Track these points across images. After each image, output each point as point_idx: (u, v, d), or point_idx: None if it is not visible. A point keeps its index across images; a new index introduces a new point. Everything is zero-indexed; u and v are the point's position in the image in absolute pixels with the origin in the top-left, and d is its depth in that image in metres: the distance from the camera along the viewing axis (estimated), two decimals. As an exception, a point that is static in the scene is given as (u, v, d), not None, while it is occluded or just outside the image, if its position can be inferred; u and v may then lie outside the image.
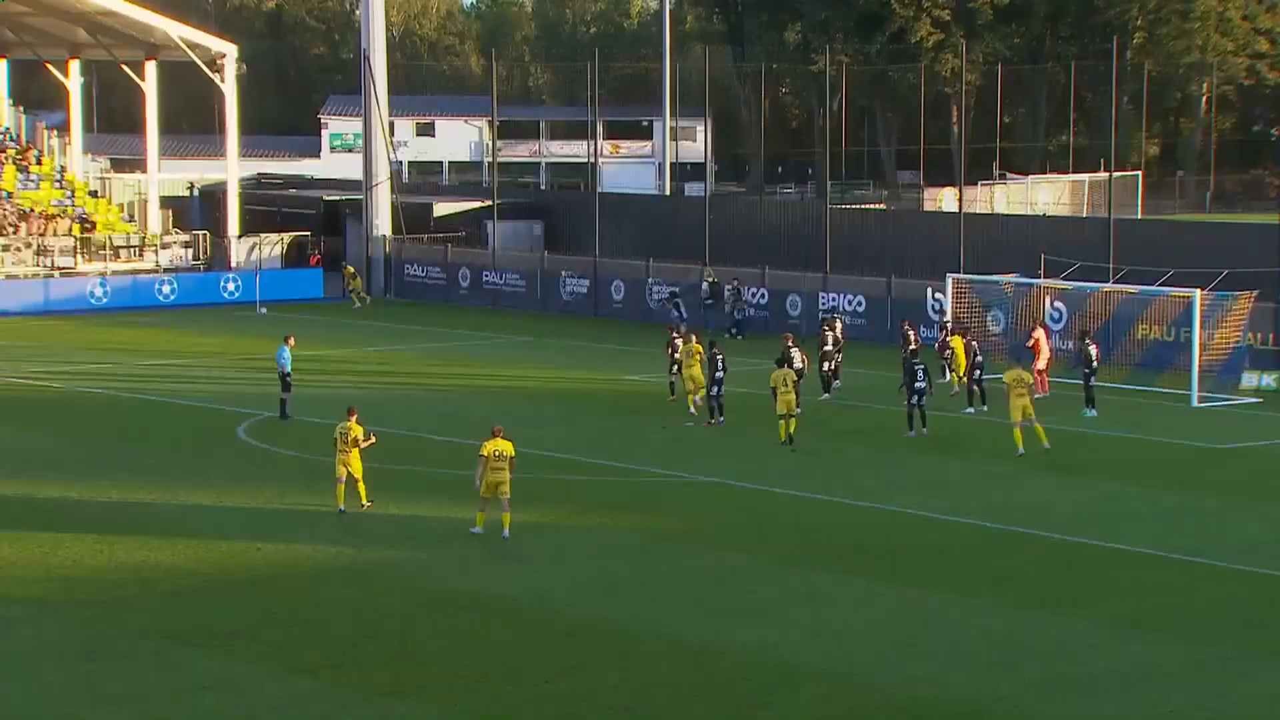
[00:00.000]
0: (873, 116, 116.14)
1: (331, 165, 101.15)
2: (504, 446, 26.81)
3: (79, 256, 63.75)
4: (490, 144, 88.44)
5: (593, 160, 73.44)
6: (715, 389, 36.69)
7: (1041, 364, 39.88)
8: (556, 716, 18.83)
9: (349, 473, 28.05)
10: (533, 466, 32.78)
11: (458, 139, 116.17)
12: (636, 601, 23.40)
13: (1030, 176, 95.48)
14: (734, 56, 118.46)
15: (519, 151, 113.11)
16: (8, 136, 69.94)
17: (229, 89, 67.89)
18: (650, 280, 58.24)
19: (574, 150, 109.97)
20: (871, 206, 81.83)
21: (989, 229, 57.73)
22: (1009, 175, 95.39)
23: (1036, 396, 35.74)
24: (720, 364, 36.59)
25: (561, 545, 26.61)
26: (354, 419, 28.33)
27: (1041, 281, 46.65)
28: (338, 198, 75.47)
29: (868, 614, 22.87)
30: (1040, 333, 41.23)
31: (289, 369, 37.33)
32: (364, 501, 28.31)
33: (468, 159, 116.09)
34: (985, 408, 37.73)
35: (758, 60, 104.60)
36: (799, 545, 26.78)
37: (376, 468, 31.67)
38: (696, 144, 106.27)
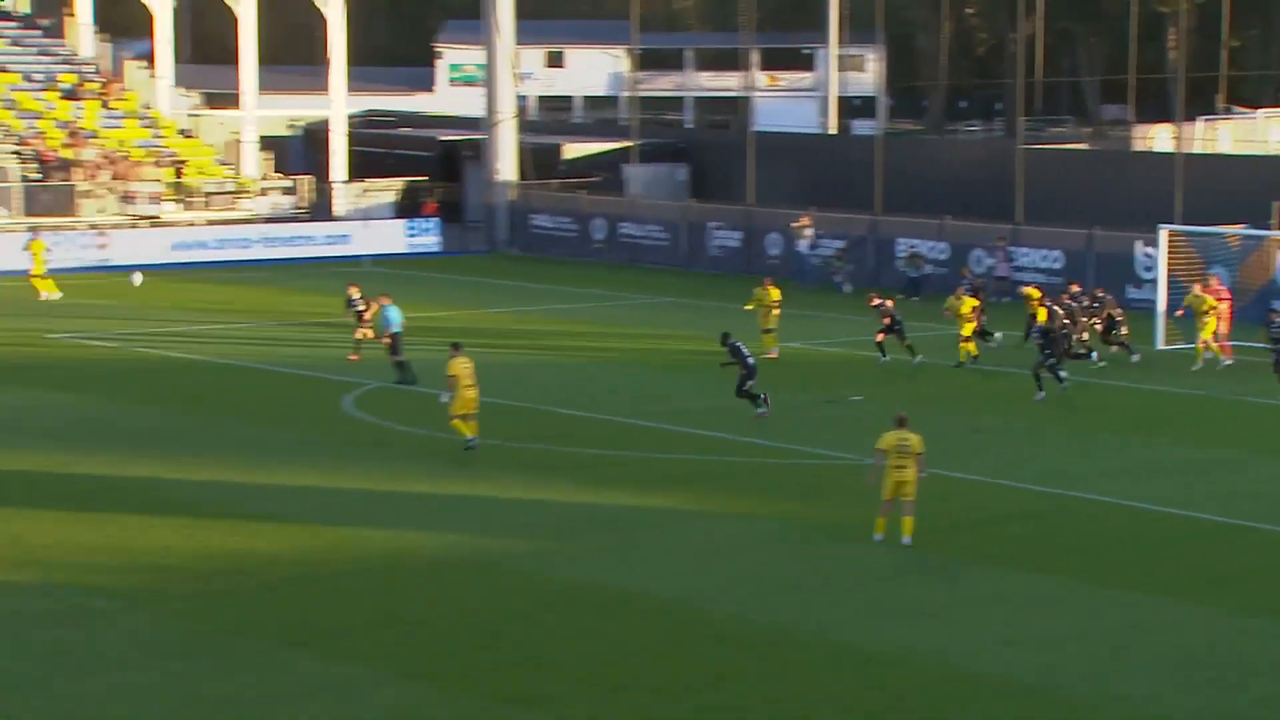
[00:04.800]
0: (1073, 41, 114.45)
1: (448, 100, 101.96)
2: (912, 439, 25.67)
3: (168, 204, 64.98)
4: (629, 76, 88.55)
5: (746, 94, 73.19)
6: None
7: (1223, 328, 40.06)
8: (705, 732, 18.91)
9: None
10: (676, 445, 32.84)
11: (592, 71, 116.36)
12: (797, 602, 23.38)
13: (1261, 111, 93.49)
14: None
15: (661, 84, 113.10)
16: (91, 70, 71.43)
17: (335, 14, 68.68)
18: (813, 232, 57.94)
19: (724, 83, 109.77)
20: (1071, 146, 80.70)
21: (1211, 172, 56.79)
22: (1236, 109, 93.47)
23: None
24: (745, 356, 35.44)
25: (710, 536, 26.65)
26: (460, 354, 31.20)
27: (1274, 234, 45.79)
28: (456, 138, 76.05)
29: (1066, 619, 22.65)
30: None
31: (398, 329, 38.01)
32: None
33: (603, 93, 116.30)
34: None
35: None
36: (985, 539, 26.60)
37: (499, 445, 31.98)
38: (866, 75, 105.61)
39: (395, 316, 38.38)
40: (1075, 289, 42.84)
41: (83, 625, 22.11)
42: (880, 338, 40.64)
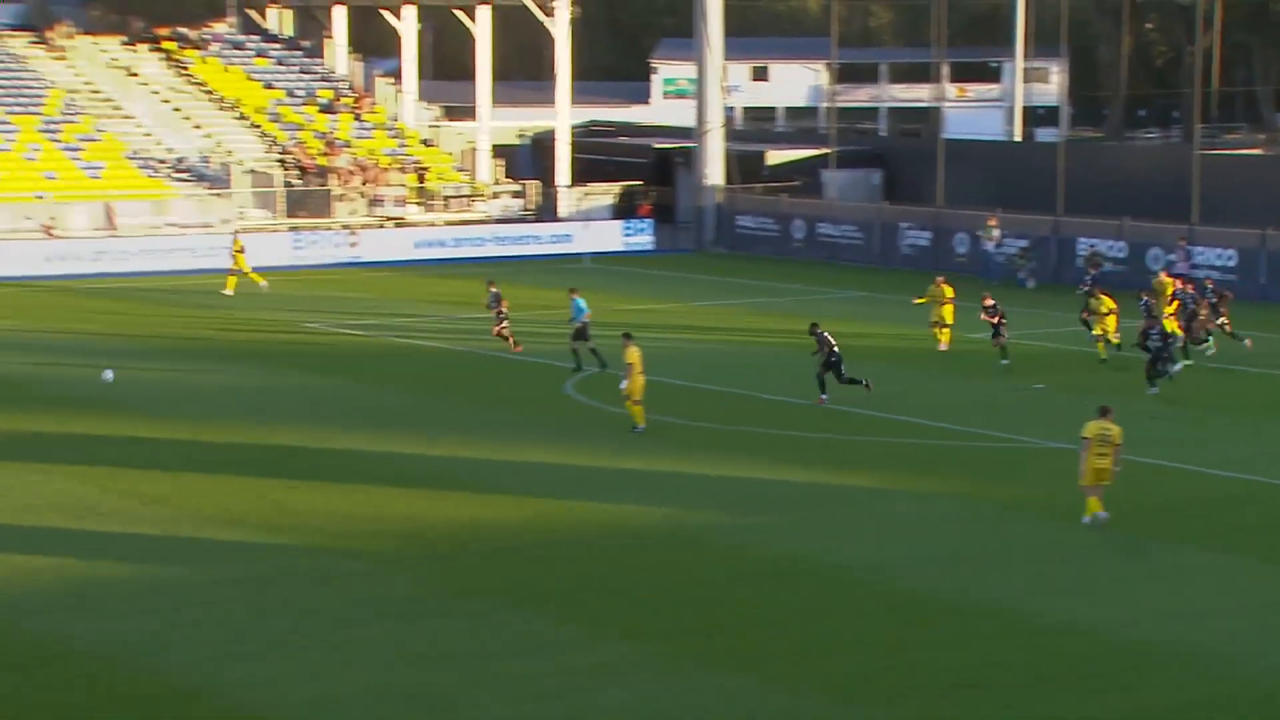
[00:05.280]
0: (1248, 53, 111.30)
1: (662, 111, 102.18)
2: (1113, 430, 25.06)
3: (411, 207, 66.06)
4: (828, 88, 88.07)
5: (937, 104, 72.39)
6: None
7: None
8: (892, 693, 18.79)
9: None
10: (869, 429, 32.68)
11: (794, 83, 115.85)
12: (977, 575, 23.15)
13: None
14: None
15: (857, 96, 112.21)
16: (345, 86, 72.86)
17: (560, 33, 69.20)
18: (1000, 232, 57.15)
19: (916, 94, 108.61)
20: (1246, 152, 78.55)
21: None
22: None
23: None
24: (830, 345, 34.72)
25: (901, 513, 26.47)
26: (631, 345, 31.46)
27: None
28: (668, 146, 76.18)
29: (1235, 595, 22.16)
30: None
31: (584, 319, 38.21)
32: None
33: (803, 104, 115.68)
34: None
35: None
36: (1161, 519, 26.09)
37: (705, 427, 32.07)
38: (1050, 86, 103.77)
39: (583, 307, 38.60)
40: (1209, 284, 42.18)
41: (334, 586, 22.58)
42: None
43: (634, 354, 31.51)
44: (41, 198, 60.27)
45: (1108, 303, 39.93)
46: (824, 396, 34.40)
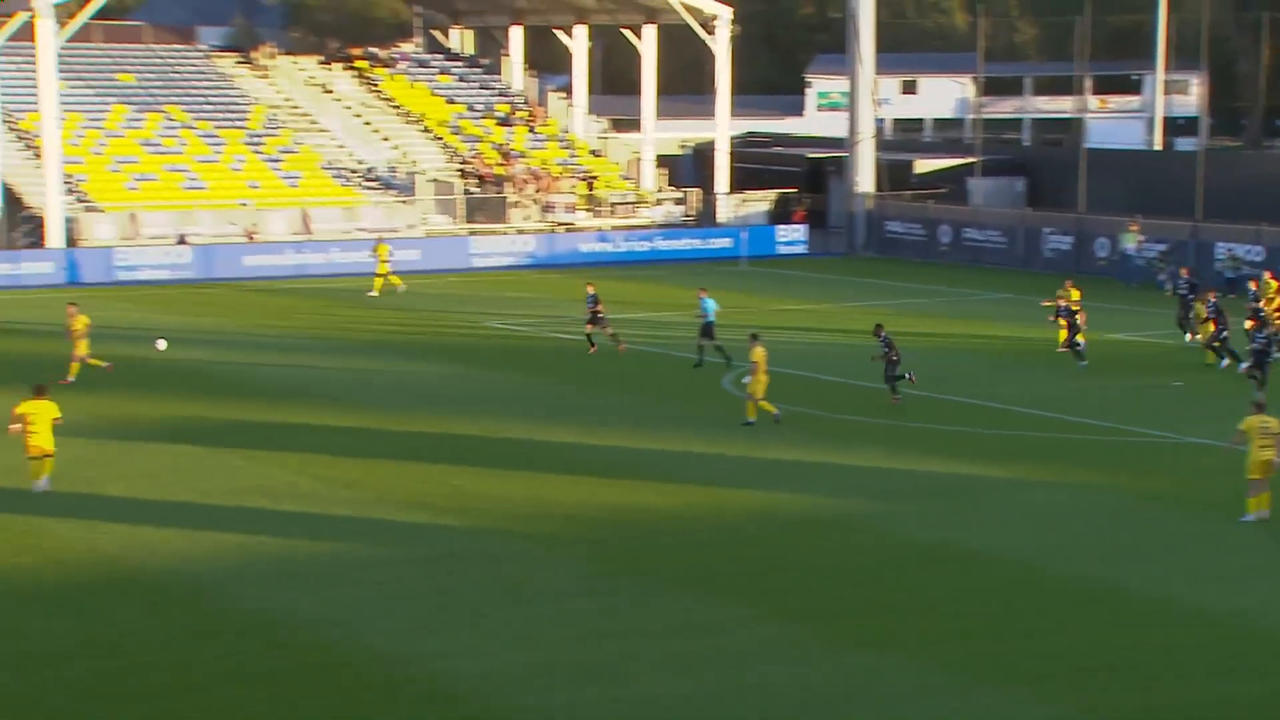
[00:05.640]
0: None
1: (816, 123, 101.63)
2: (1272, 423, 24.55)
3: (580, 213, 66.45)
4: (974, 100, 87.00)
5: (1079, 115, 71.15)
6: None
7: None
8: (1032, 674, 18.50)
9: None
10: (1013, 423, 32.26)
11: (941, 96, 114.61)
12: (1116, 562, 22.73)
13: None
14: (1235, 5, 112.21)
15: (1002, 108, 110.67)
16: (521, 100, 73.51)
17: (721, 50, 69.12)
18: (1141, 237, 56.03)
19: (1059, 106, 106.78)
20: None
21: None
22: None
23: None
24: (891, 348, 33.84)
25: (1046, 503, 26.09)
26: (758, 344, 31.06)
27: None
28: (821, 155, 75.81)
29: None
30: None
31: (712, 318, 38.25)
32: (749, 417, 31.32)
33: (950, 116, 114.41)
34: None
35: (1261, 8, 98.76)
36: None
37: (852, 420, 31.88)
38: (1189, 97, 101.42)
39: (711, 306, 38.56)
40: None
41: (510, 565, 22.75)
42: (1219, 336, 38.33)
43: (759, 354, 31.43)
44: (245, 205, 61.60)
45: (1200, 309, 39.05)
46: (901, 390, 33.85)
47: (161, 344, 34.75)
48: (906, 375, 33.70)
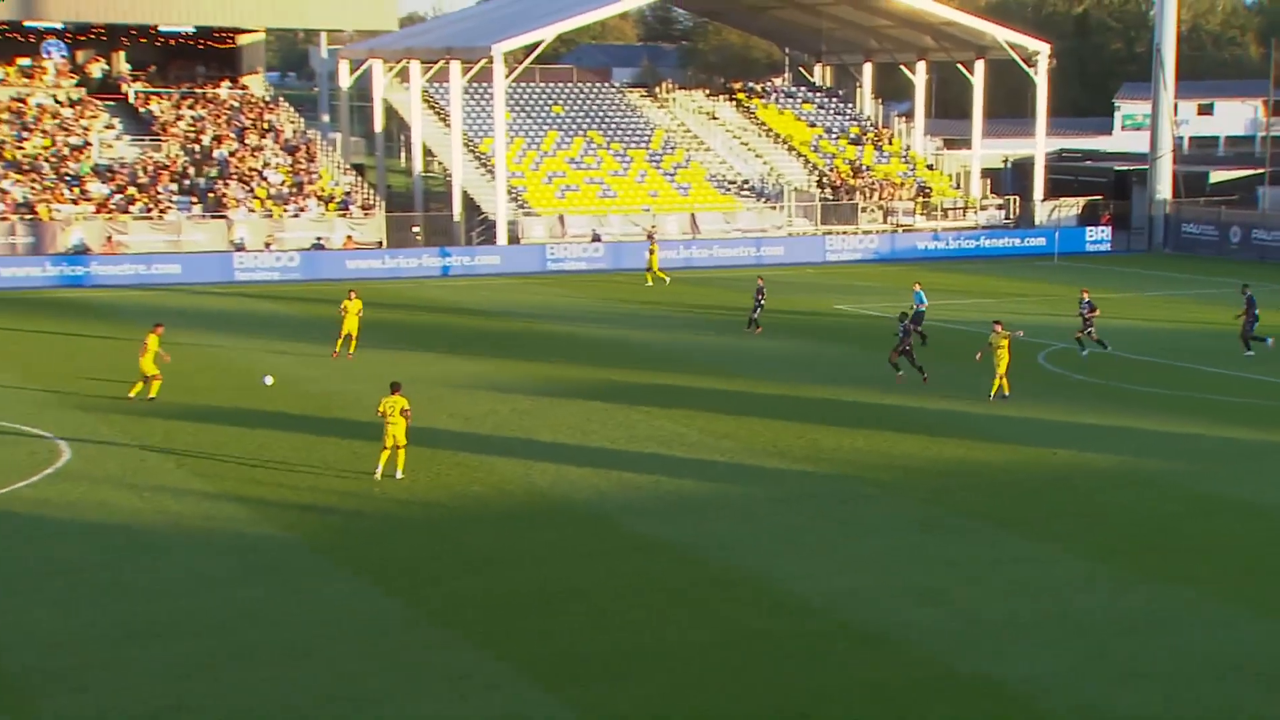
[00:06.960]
0: None
1: (1121, 142, 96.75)
2: None
3: (917, 216, 65.17)
4: (1265, 120, 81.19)
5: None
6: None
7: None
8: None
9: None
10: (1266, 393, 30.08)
11: (1234, 117, 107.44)
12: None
13: None
14: None
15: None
16: (869, 123, 72.51)
17: (1040, 80, 66.61)
18: None
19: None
20: None
21: None
22: None
23: None
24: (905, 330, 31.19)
25: (1321, 470, 24.19)
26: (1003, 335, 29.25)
27: None
28: (1126, 168, 72.27)
29: None
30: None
31: (922, 308, 36.89)
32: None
33: (1242, 134, 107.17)
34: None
35: None
36: None
37: (1154, 392, 30.28)
38: None
39: (923, 298, 36.92)
40: None
41: (855, 505, 22.57)
42: None
43: (1000, 339, 29.91)
44: (647, 210, 62.74)
45: None
46: (924, 376, 32.09)
47: (269, 380, 29.91)
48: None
